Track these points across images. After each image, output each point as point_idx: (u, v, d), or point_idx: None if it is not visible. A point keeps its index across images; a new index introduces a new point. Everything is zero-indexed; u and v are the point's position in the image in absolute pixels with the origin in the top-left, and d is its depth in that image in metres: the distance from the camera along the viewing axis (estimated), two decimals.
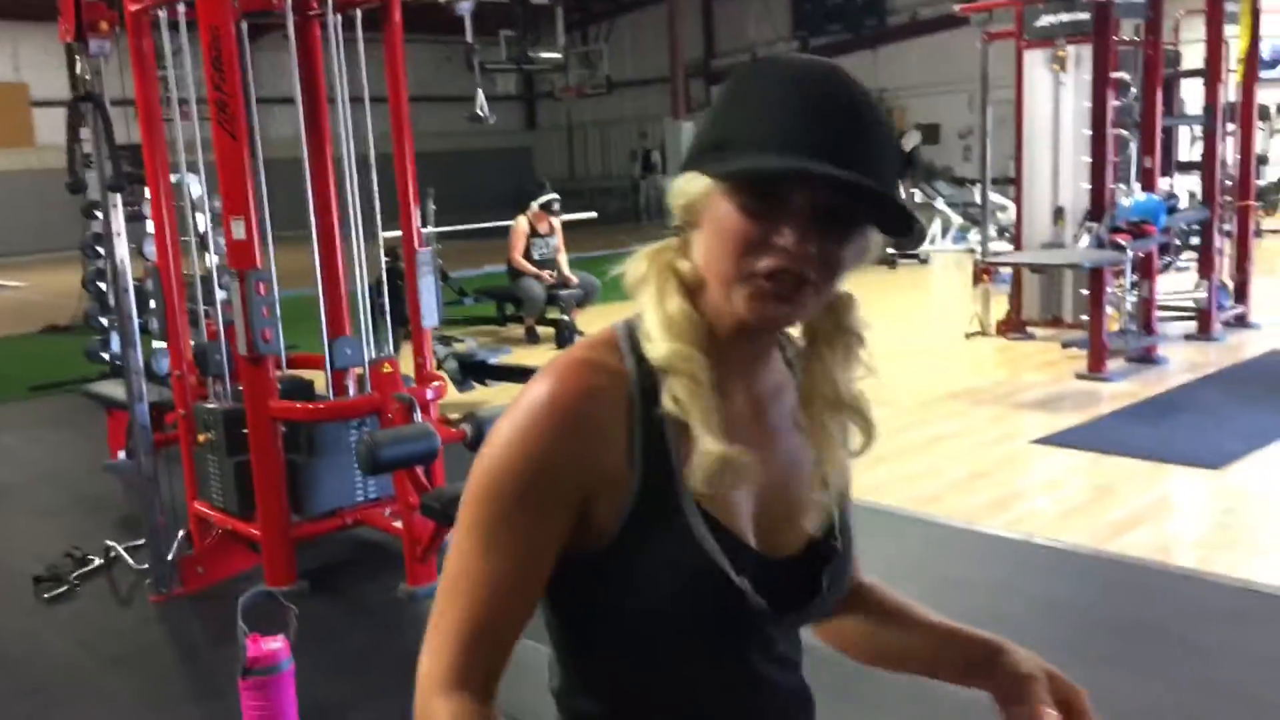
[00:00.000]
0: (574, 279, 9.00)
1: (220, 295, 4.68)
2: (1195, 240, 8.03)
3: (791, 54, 0.98)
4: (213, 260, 4.65)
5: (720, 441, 0.92)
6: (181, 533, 4.25)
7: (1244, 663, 3.13)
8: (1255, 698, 2.90)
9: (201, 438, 4.16)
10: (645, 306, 0.98)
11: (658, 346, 0.95)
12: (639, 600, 0.96)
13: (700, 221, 0.95)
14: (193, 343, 4.42)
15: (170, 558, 4.05)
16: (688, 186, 0.95)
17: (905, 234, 0.96)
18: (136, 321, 4.02)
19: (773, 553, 1.01)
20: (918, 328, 9.02)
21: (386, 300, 4.68)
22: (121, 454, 5.83)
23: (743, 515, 0.99)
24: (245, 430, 3.98)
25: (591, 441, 0.94)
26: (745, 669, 1.01)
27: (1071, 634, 3.45)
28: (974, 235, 12.32)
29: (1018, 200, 8.29)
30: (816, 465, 1.03)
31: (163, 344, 4.76)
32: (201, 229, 5.45)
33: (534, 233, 9.17)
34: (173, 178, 4.47)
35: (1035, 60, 7.88)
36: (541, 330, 9.21)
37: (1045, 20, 7.65)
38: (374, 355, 4.17)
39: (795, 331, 1.06)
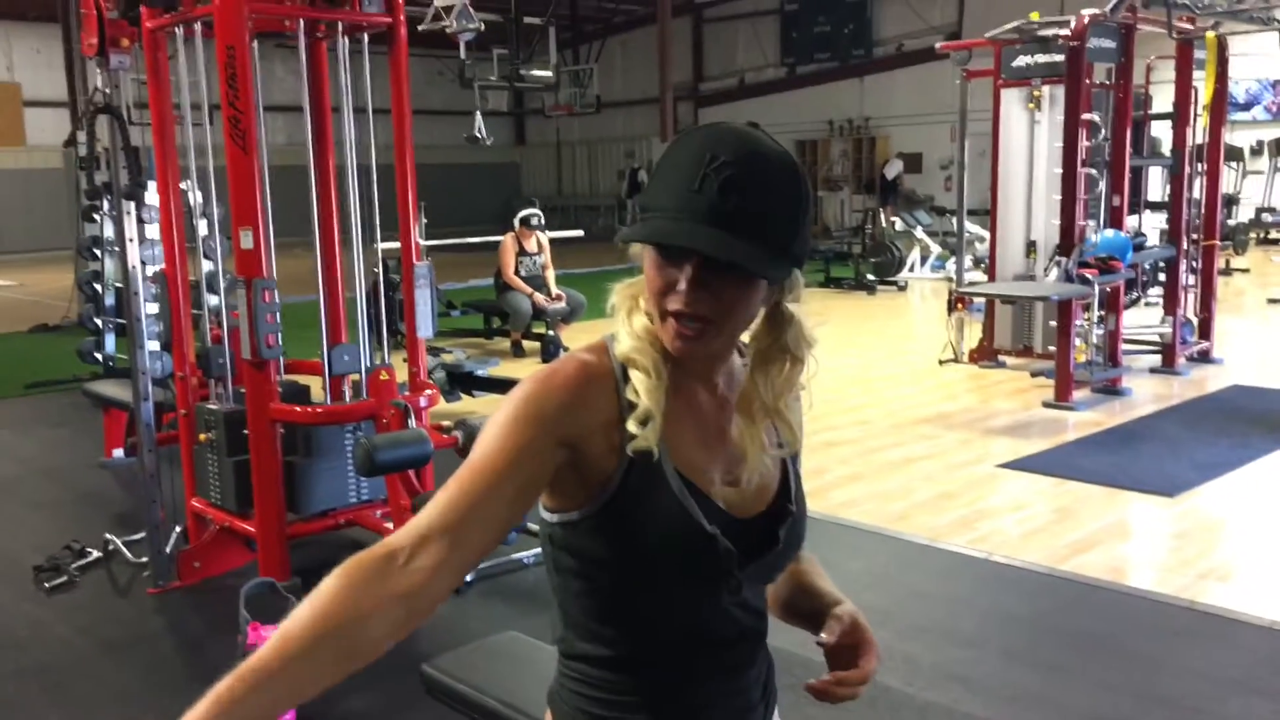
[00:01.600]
0: (561, 295, 9.19)
1: (213, 300, 4.86)
2: (1163, 277, 8.30)
3: (722, 122, 1.19)
4: (217, 265, 4.80)
5: (653, 407, 1.16)
6: (179, 528, 4.41)
7: (1187, 677, 3.34)
8: (1196, 710, 3.11)
9: (202, 437, 4.32)
10: (619, 329, 1.23)
11: (622, 344, 1.20)
12: (631, 548, 1.18)
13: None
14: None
15: (168, 552, 4.21)
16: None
17: (776, 281, 1.18)
18: (145, 324, 4.18)
19: (739, 514, 1.24)
20: (894, 353, 9.26)
21: (382, 309, 4.85)
22: (118, 451, 5.99)
23: (714, 484, 1.23)
24: (245, 431, 4.15)
25: (584, 406, 1.17)
26: (717, 606, 1.23)
27: (1025, 645, 3.67)
28: (952, 264, 12.60)
29: (992, 232, 8.55)
30: (750, 445, 1.25)
31: (156, 346, 4.90)
32: (203, 235, 5.63)
33: (521, 250, 9.34)
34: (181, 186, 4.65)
35: (1012, 98, 8.15)
36: (527, 345, 9.39)
37: (1021, 61, 7.92)
38: (370, 363, 4.35)
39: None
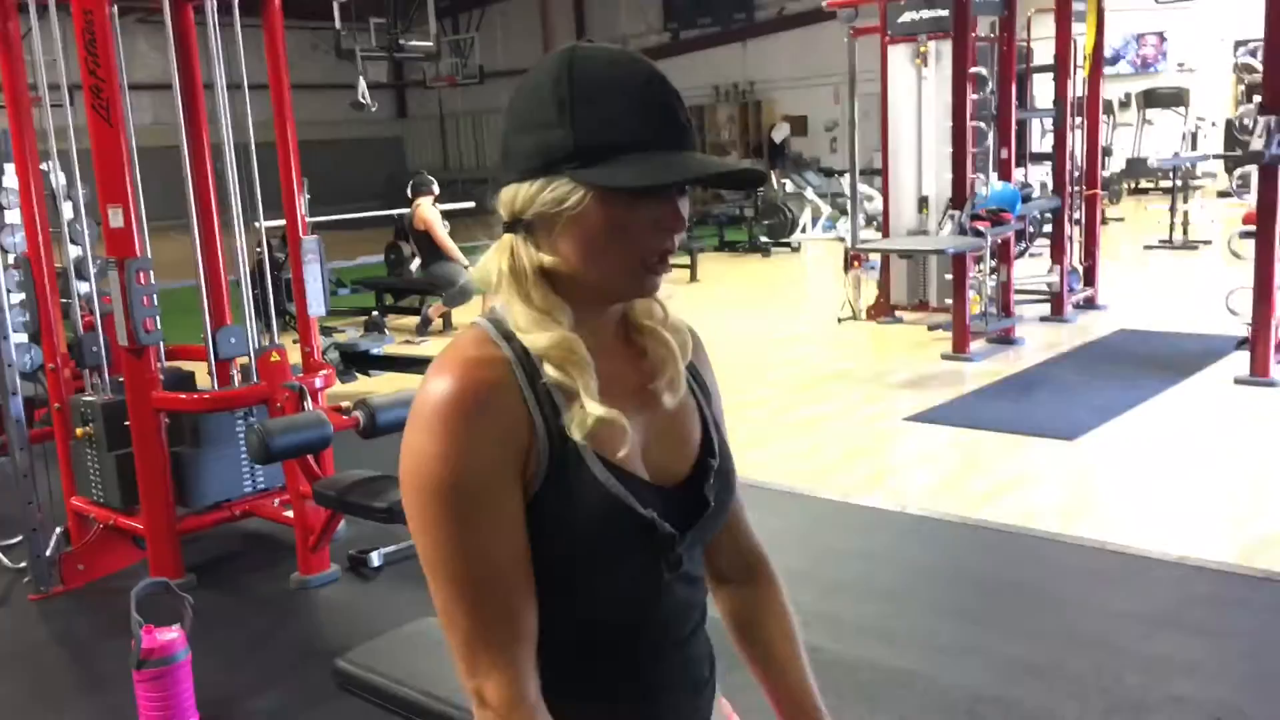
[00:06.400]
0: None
1: (83, 288, 4.56)
2: (1048, 228, 8.47)
3: (599, 45, 1.08)
4: (86, 250, 4.50)
5: (598, 404, 1.05)
6: (59, 529, 4.13)
7: (1109, 618, 3.38)
8: (1122, 649, 3.14)
9: (79, 432, 4.05)
10: (509, 301, 1.08)
11: (537, 339, 1.05)
12: (565, 540, 1.07)
13: (561, 220, 1.04)
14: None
15: (49, 555, 3.94)
16: (549, 191, 1.03)
17: (754, 188, 1.11)
18: (8, 314, 3.88)
19: (665, 481, 1.14)
20: (792, 313, 9.30)
21: (269, 289, 4.62)
22: None
23: (634, 454, 1.11)
24: (126, 423, 3.90)
25: (501, 423, 1.04)
26: (658, 585, 1.13)
27: (946, 596, 3.67)
28: (843, 224, 12.72)
29: (884, 190, 8.62)
30: (671, 384, 1.15)
31: (22, 337, 4.59)
32: (68, 218, 5.29)
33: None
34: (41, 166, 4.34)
35: (899, 55, 8.20)
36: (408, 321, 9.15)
37: (908, 17, 7.96)
38: (259, 345, 4.12)
39: None
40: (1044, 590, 3.65)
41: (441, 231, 8.84)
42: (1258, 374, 5.88)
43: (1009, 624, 3.37)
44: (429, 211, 8.86)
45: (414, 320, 9.27)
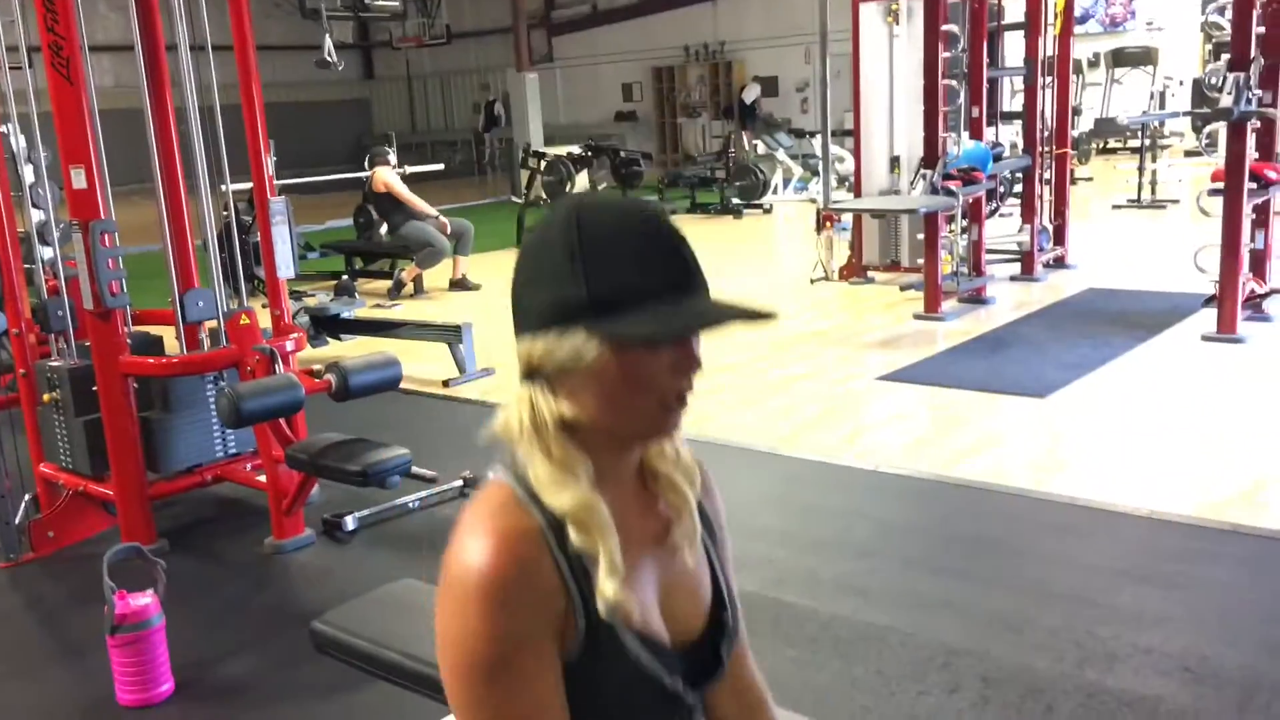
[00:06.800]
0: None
1: (47, 253, 4.48)
2: (1018, 187, 8.49)
3: (603, 196, 1.14)
4: (49, 214, 4.42)
5: (619, 585, 1.06)
6: (28, 496, 4.08)
7: (1080, 571, 3.42)
8: (1092, 602, 3.18)
9: (46, 397, 4.00)
10: (530, 455, 1.08)
11: (560, 499, 1.07)
12: (592, 706, 1.09)
13: (578, 370, 1.05)
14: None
15: (17, 522, 3.90)
16: (566, 344, 1.04)
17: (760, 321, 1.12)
18: None
19: (682, 639, 1.17)
20: (765, 274, 9.29)
21: (236, 252, 4.55)
22: None
23: (654, 614, 1.14)
24: (94, 388, 3.84)
25: (539, 598, 1.05)
26: None
27: (919, 551, 3.70)
28: (814, 185, 12.71)
29: (856, 149, 8.60)
30: (686, 534, 1.18)
31: None
32: (30, 182, 5.19)
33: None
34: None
35: (871, 13, 8.15)
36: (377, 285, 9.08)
37: None
38: (227, 309, 4.07)
39: None
40: (1016, 545, 3.69)
41: (402, 187, 8.93)
42: (1224, 331, 5.94)
43: (982, 578, 3.40)
44: (387, 174, 8.95)
45: (384, 284, 9.21)
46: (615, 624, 1.07)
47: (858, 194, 8.58)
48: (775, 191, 14.05)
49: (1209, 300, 6.10)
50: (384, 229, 9.13)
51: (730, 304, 1.07)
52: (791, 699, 1.65)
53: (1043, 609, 3.15)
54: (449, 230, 8.95)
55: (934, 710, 2.67)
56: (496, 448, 1.11)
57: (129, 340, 3.97)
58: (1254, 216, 6.14)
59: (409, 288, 8.88)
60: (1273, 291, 6.42)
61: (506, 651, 1.03)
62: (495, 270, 9.89)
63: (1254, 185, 5.91)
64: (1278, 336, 6.02)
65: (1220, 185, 5.97)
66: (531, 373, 1.08)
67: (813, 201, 11.42)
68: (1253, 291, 6.20)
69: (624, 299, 1.03)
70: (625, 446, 1.13)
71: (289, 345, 4.07)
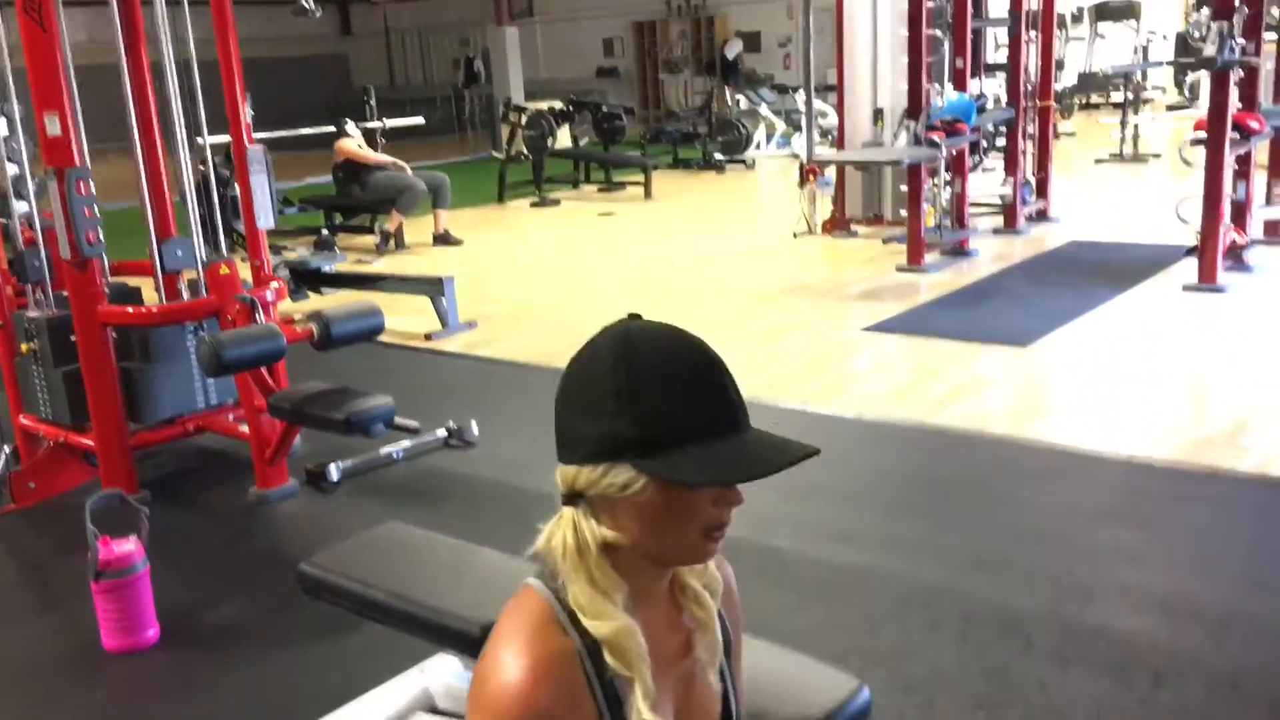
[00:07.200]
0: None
1: (22, 207, 4.42)
2: (1001, 141, 8.47)
3: (649, 329, 1.12)
4: (23, 167, 4.36)
5: (652, 714, 1.09)
6: (8, 448, 4.07)
7: (1057, 514, 3.46)
8: (1069, 543, 3.22)
9: (24, 348, 3.97)
10: (572, 578, 1.11)
11: (600, 627, 1.09)
12: None
13: (620, 499, 1.08)
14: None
15: None
16: (612, 477, 1.07)
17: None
18: None
19: None
20: (749, 229, 9.27)
21: (215, 205, 4.51)
22: None
23: None
24: (73, 338, 3.81)
25: (579, 711, 1.08)
26: None
27: (901, 495, 3.74)
28: (797, 140, 12.64)
29: (839, 102, 8.55)
30: (708, 649, 1.21)
31: None
32: (3, 135, 5.11)
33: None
34: None
35: None
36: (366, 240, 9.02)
37: None
38: (206, 259, 4.03)
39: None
40: (996, 489, 3.72)
41: (359, 150, 9.12)
42: (1205, 281, 5.97)
43: (962, 521, 3.44)
44: (344, 143, 9.14)
45: (365, 240, 9.16)
46: None
47: (841, 146, 8.55)
48: (758, 147, 13.99)
49: (1190, 251, 6.13)
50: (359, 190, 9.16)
51: (774, 443, 1.10)
52: (777, 641, 1.67)
53: (1021, 549, 3.18)
54: (409, 172, 8.97)
55: (916, 646, 2.70)
56: (537, 559, 1.14)
57: (107, 291, 3.93)
58: (1236, 167, 6.15)
59: (393, 242, 8.85)
60: (1253, 242, 6.45)
61: None
62: (478, 226, 9.85)
63: (1236, 135, 5.92)
64: (1258, 286, 6.06)
65: (1203, 135, 5.98)
66: (574, 497, 1.11)
67: (795, 157, 11.38)
68: (1234, 242, 6.23)
69: (672, 438, 1.06)
70: (664, 567, 1.16)
71: (269, 295, 4.05)
